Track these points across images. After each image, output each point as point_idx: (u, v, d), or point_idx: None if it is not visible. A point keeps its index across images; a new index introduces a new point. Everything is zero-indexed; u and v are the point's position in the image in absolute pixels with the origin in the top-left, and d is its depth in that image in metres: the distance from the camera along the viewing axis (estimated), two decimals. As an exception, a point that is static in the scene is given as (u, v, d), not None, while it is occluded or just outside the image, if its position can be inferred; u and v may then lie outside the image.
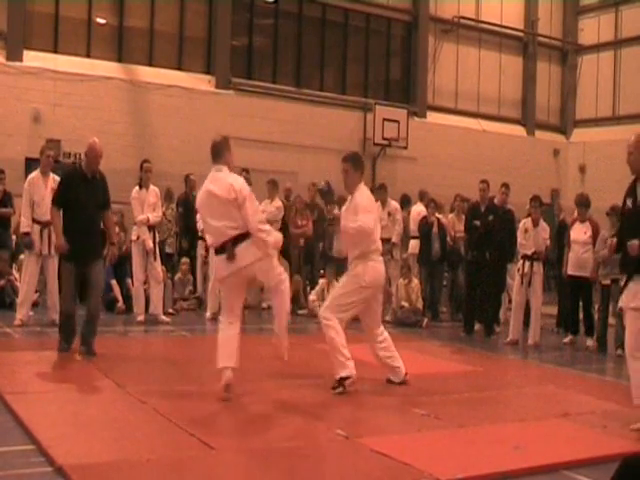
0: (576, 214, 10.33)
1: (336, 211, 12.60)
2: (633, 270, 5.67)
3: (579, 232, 10.07)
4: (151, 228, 10.19)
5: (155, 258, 10.25)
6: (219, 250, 6.03)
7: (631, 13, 21.28)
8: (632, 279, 5.74)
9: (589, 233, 9.93)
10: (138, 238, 10.16)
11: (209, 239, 6.29)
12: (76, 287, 7.67)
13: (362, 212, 6.48)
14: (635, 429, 5.41)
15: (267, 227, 6.20)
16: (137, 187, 10.23)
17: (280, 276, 6.21)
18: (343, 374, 6.36)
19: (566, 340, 10.34)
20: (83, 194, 7.45)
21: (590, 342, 9.94)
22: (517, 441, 5.08)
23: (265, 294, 12.49)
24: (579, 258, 9.98)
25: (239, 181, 6.16)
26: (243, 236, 5.95)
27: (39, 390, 5.95)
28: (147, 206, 10.13)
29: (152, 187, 10.22)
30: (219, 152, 6.25)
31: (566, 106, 22.96)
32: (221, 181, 6.06)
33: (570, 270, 10.14)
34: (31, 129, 14.70)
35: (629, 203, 5.92)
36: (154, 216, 10.21)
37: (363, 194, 6.66)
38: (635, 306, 5.62)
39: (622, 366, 9.13)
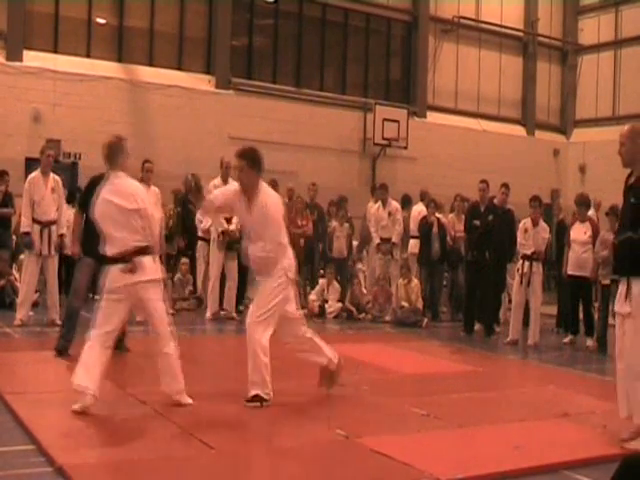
0: (576, 214, 10.34)
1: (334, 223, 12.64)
2: (624, 272, 5.23)
3: (579, 232, 10.07)
4: None
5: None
6: (116, 260, 5.52)
7: (631, 13, 21.28)
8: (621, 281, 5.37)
9: (589, 233, 9.93)
10: None
11: (109, 249, 5.59)
12: (92, 284, 7.62)
13: (272, 226, 5.81)
14: (627, 446, 5.17)
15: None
16: None
17: (166, 324, 5.69)
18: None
19: (566, 340, 10.33)
20: None
21: (590, 342, 9.94)
22: (517, 441, 5.07)
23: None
24: (579, 258, 9.98)
25: (141, 189, 5.79)
26: (146, 249, 5.57)
27: (39, 390, 5.95)
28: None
29: (153, 187, 10.22)
30: (114, 156, 5.78)
31: (566, 106, 22.96)
32: (121, 189, 5.61)
33: (570, 270, 10.14)
34: (31, 129, 14.70)
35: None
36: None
37: (269, 198, 5.93)
38: (622, 311, 5.23)
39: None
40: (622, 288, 5.17)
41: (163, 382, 5.59)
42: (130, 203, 5.51)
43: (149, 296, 5.59)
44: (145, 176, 10.13)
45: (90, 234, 7.02)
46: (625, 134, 5.24)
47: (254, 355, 5.75)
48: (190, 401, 5.63)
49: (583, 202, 10.25)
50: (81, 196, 7.86)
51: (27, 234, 9.34)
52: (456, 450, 4.91)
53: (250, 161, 5.93)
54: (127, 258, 5.49)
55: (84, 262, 7.54)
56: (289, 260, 5.97)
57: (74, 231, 7.81)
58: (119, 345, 7.20)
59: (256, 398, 5.72)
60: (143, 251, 5.55)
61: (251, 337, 5.82)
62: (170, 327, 5.69)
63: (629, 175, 5.29)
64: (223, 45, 17.12)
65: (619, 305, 5.22)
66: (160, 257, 6.02)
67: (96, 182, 7.05)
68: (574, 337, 10.31)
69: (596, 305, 10.24)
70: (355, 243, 13.47)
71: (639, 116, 20.00)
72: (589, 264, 9.84)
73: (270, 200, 5.90)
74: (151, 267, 5.60)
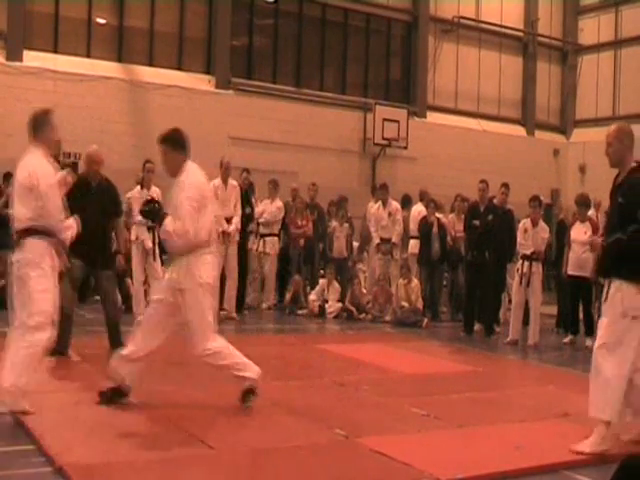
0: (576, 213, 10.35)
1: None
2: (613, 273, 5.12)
3: (579, 232, 10.08)
4: (150, 228, 10.18)
5: (155, 258, 10.24)
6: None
7: (631, 13, 21.28)
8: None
9: (589, 233, 9.93)
10: (137, 238, 10.16)
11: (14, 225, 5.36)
12: (82, 287, 7.55)
13: (184, 204, 5.42)
14: (626, 439, 5.24)
15: (71, 222, 5.59)
16: (138, 187, 10.22)
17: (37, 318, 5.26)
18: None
19: (566, 340, 10.34)
20: (87, 202, 7.21)
21: (590, 342, 9.91)
22: (517, 441, 5.08)
23: (265, 294, 12.52)
24: (579, 258, 9.99)
25: (45, 169, 5.44)
26: (34, 230, 5.30)
27: (39, 390, 5.94)
28: None
29: (154, 187, 10.21)
30: (37, 128, 5.60)
31: (566, 106, 22.96)
32: (25, 164, 5.43)
33: (570, 270, 10.15)
34: (31, 129, 14.68)
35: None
36: None
37: (190, 176, 5.57)
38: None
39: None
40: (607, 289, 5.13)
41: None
42: (24, 179, 5.34)
43: (23, 277, 5.28)
44: (146, 176, 10.14)
45: (77, 240, 6.31)
46: (612, 134, 5.20)
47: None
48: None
49: (583, 202, 10.26)
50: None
51: None
52: (456, 450, 4.91)
53: (171, 144, 5.65)
54: (16, 236, 5.31)
55: (71, 265, 6.56)
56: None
57: None
58: (59, 349, 6.70)
59: (249, 391, 5.61)
60: (30, 232, 5.29)
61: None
62: (39, 316, 5.34)
63: (617, 175, 5.27)
64: (223, 45, 17.12)
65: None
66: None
67: (74, 187, 7.24)
68: (574, 337, 10.32)
69: (596, 305, 10.24)
70: (356, 244, 13.47)
71: (639, 116, 20.07)
72: (589, 264, 9.84)
73: (189, 180, 5.54)
74: (32, 249, 5.29)
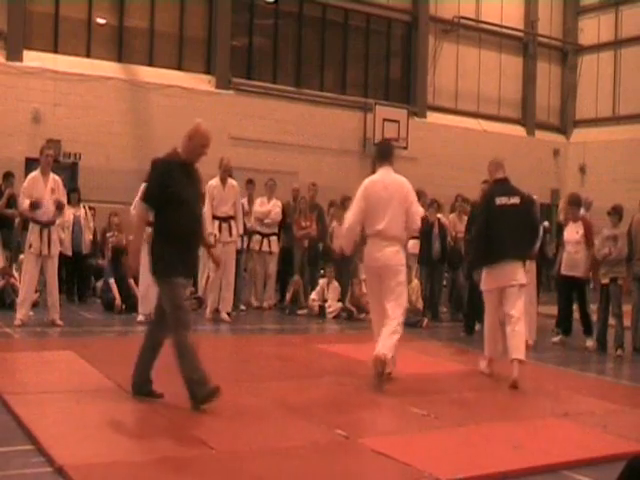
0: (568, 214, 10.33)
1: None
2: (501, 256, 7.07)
3: (571, 232, 10.07)
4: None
5: None
6: None
7: (631, 13, 21.30)
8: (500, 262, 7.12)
9: (581, 232, 9.94)
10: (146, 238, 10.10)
11: None
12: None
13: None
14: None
15: None
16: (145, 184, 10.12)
17: None
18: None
19: (555, 340, 10.26)
20: (186, 189, 5.69)
21: (590, 342, 9.90)
22: (517, 441, 5.07)
23: (266, 294, 12.52)
24: (571, 258, 9.97)
25: None
26: None
27: (39, 390, 5.95)
28: None
29: None
30: None
31: (566, 106, 22.97)
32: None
33: (563, 270, 10.12)
34: (31, 129, 14.71)
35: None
36: None
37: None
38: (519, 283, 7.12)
39: (622, 366, 9.16)
40: None
41: None
42: None
43: None
44: None
45: (172, 246, 5.59)
46: None
47: None
48: None
49: (574, 201, 10.24)
50: (148, 186, 5.77)
51: (32, 204, 9.24)
52: (456, 450, 4.90)
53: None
54: None
55: (174, 287, 5.61)
56: None
57: (137, 235, 6.02)
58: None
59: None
60: None
61: None
62: None
63: None
64: (223, 45, 17.12)
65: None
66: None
67: (167, 167, 5.71)
68: (564, 337, 10.23)
69: (595, 305, 10.23)
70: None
71: (639, 116, 20.08)
72: (582, 264, 9.84)
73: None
74: None
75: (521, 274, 7.25)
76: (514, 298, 7.14)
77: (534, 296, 10.12)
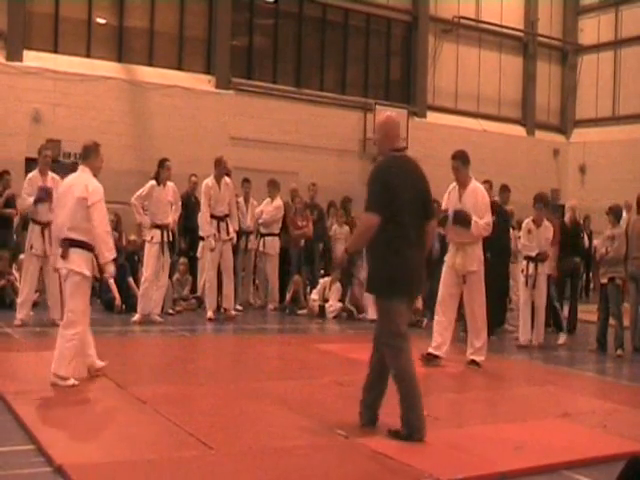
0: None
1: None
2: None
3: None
4: (163, 228, 10.15)
5: (166, 258, 10.29)
6: None
7: (631, 13, 21.30)
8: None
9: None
10: (152, 239, 10.13)
11: None
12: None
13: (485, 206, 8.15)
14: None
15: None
16: (153, 182, 10.15)
17: None
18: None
19: (561, 341, 10.28)
20: (411, 195, 5.31)
21: (562, 339, 10.06)
22: (517, 441, 5.07)
23: (270, 295, 12.52)
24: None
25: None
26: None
27: (39, 390, 5.95)
28: (163, 205, 10.13)
29: (169, 183, 10.18)
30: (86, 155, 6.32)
31: (566, 106, 22.97)
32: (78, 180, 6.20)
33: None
34: (31, 129, 14.70)
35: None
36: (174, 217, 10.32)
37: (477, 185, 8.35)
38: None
39: (622, 366, 9.16)
40: None
41: None
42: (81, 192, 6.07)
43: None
44: (164, 174, 10.13)
45: (404, 267, 5.19)
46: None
47: None
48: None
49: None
50: (377, 194, 5.30)
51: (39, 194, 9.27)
52: (456, 450, 4.90)
53: (461, 160, 8.76)
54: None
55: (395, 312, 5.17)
56: None
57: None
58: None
59: None
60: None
61: None
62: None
63: None
64: (223, 45, 17.12)
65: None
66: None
67: (397, 170, 5.39)
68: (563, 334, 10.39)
69: (595, 305, 10.25)
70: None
71: (639, 116, 20.08)
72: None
73: (480, 188, 8.20)
74: None
75: None
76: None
77: (544, 298, 10.08)
